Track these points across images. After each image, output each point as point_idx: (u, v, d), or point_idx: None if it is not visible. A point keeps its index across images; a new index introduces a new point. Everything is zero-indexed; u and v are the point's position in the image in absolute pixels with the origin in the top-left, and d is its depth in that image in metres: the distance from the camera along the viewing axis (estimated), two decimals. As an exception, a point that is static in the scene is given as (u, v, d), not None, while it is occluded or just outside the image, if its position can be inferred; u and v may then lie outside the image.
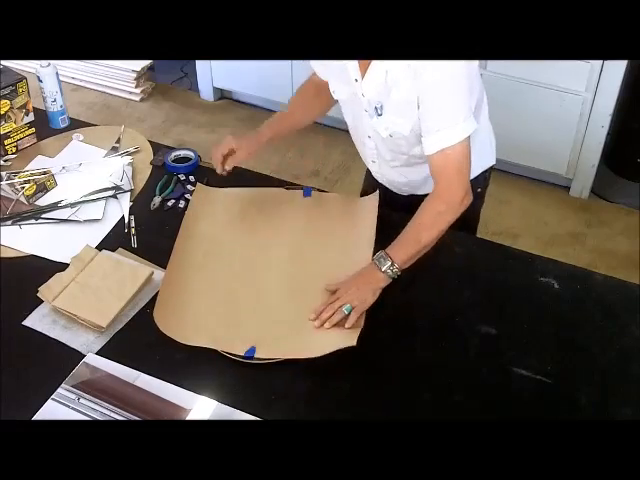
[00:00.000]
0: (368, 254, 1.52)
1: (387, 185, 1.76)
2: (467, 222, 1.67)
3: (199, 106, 3.55)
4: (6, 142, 1.86)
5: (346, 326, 1.38)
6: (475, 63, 1.48)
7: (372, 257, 1.49)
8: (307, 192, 1.73)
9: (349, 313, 1.39)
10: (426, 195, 1.52)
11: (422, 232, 1.47)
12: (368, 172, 1.82)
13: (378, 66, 1.44)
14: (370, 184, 1.81)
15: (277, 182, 1.82)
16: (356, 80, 1.50)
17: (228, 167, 1.67)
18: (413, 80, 1.40)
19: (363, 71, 1.48)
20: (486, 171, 1.75)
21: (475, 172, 1.67)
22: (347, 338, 1.36)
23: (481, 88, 1.59)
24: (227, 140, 1.67)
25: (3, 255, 1.58)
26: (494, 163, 1.76)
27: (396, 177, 1.71)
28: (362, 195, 1.83)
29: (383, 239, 1.52)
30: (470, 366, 1.38)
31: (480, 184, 1.73)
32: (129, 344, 1.40)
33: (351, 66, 1.49)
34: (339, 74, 1.54)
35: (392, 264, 1.44)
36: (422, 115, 1.45)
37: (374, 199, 1.67)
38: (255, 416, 1.26)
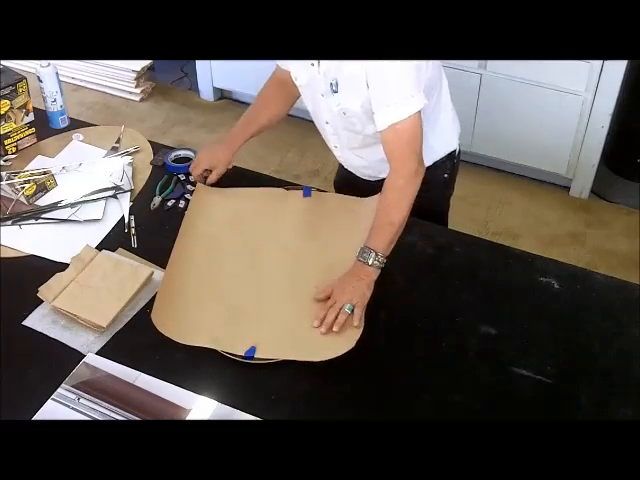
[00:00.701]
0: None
1: (352, 170, 1.80)
2: (435, 210, 1.72)
3: (199, 106, 3.55)
4: (6, 142, 1.86)
5: (354, 324, 1.39)
6: None
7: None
8: (307, 192, 1.73)
9: (352, 312, 1.39)
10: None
11: (391, 212, 1.49)
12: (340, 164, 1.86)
13: None
14: (341, 175, 1.88)
15: (277, 182, 1.82)
16: (312, 64, 1.52)
17: (211, 181, 1.74)
18: None
19: None
20: (453, 157, 1.77)
21: (438, 154, 1.71)
22: (346, 341, 1.36)
23: (437, 68, 1.61)
24: (202, 160, 1.73)
25: (3, 255, 1.58)
26: (456, 148, 1.78)
27: (357, 161, 1.74)
28: (335, 184, 1.92)
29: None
30: (470, 366, 1.38)
31: (448, 169, 1.76)
32: (129, 344, 1.40)
33: None
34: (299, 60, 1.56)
35: (376, 255, 1.45)
36: (371, 92, 1.47)
37: (375, 200, 1.67)
38: (255, 416, 1.26)
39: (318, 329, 1.39)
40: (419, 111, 1.46)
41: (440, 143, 1.70)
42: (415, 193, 1.51)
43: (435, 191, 1.72)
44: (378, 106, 1.47)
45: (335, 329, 1.38)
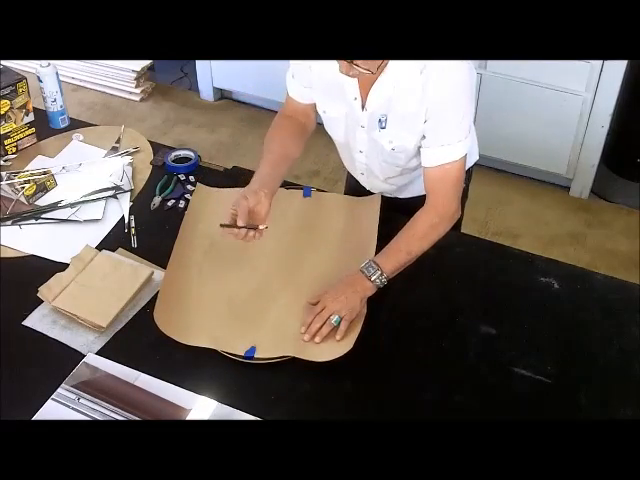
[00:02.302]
0: (370, 255, 1.52)
1: (372, 190, 1.75)
2: None
3: (199, 106, 3.55)
4: (6, 142, 1.85)
5: (337, 338, 1.37)
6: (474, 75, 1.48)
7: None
8: (307, 192, 1.73)
9: (338, 324, 1.38)
10: (406, 198, 1.54)
11: (414, 243, 1.47)
12: (349, 174, 1.82)
13: (386, 80, 1.42)
14: (352, 187, 1.82)
15: (277, 182, 1.81)
16: (355, 98, 1.49)
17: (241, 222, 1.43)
18: (422, 93, 1.40)
19: (365, 87, 1.46)
20: (471, 167, 1.76)
21: (468, 145, 1.68)
22: (343, 345, 1.36)
23: None
24: (243, 207, 1.42)
25: (3, 255, 1.58)
26: (478, 158, 1.78)
27: (384, 186, 1.71)
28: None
29: (384, 240, 1.52)
30: (470, 366, 1.38)
31: (466, 180, 1.75)
32: (129, 344, 1.40)
33: (349, 84, 1.47)
34: (331, 93, 1.52)
35: (381, 274, 1.42)
36: (427, 128, 1.45)
37: (376, 200, 1.67)
38: (255, 416, 1.26)
39: (304, 339, 1.37)
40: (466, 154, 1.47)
41: (468, 158, 1.67)
42: (443, 234, 1.50)
43: None
44: (431, 144, 1.45)
45: (317, 340, 1.37)
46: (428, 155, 1.47)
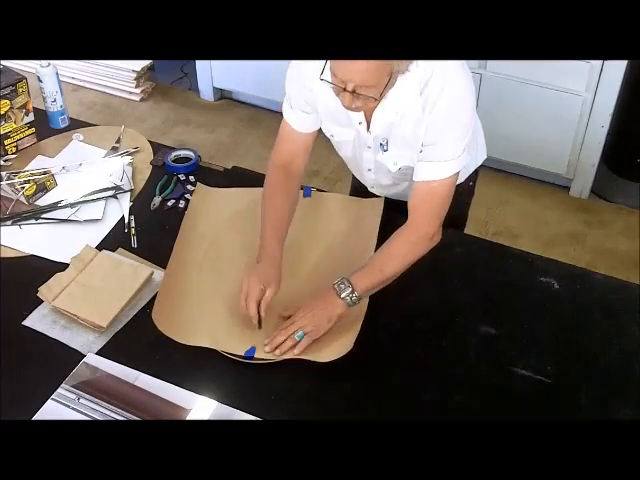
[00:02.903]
0: (369, 255, 1.52)
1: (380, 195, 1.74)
2: (457, 217, 1.68)
3: (199, 106, 3.55)
4: (6, 142, 1.85)
5: (295, 352, 1.35)
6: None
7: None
8: (307, 192, 1.73)
9: (300, 340, 1.36)
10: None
11: (388, 262, 1.44)
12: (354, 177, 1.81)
13: (387, 105, 1.39)
14: (357, 189, 1.81)
15: (277, 182, 1.81)
16: (360, 123, 1.47)
17: (267, 302, 1.41)
18: (422, 113, 1.38)
19: (368, 110, 1.43)
20: (478, 167, 1.76)
21: (470, 169, 1.69)
22: (343, 345, 1.36)
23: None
24: (253, 288, 1.40)
25: (3, 255, 1.58)
26: (485, 157, 1.77)
27: (393, 192, 1.70)
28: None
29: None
30: (470, 366, 1.38)
31: (472, 178, 1.75)
32: (129, 344, 1.40)
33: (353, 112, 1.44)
34: (337, 119, 1.50)
35: (352, 291, 1.39)
36: (424, 143, 1.42)
37: (378, 202, 1.68)
38: (255, 416, 1.26)
39: (265, 350, 1.36)
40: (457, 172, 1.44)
41: (474, 158, 1.68)
42: (420, 256, 1.46)
43: (461, 199, 1.69)
44: (423, 159, 1.43)
45: (277, 353, 1.35)
46: (417, 169, 1.45)
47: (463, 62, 1.40)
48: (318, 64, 1.34)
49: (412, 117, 1.40)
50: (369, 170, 1.61)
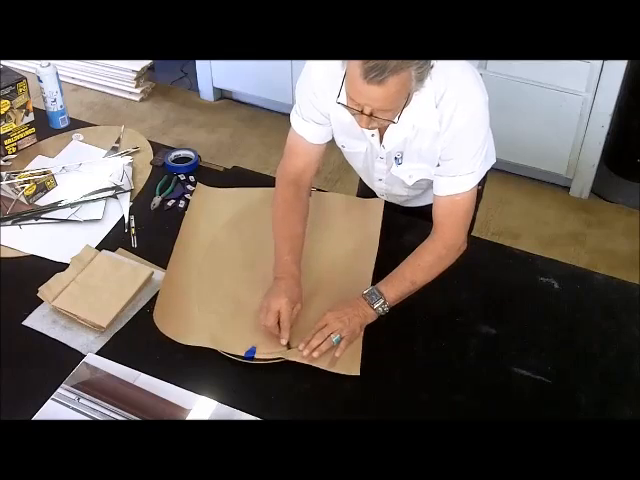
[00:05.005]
0: (370, 256, 1.52)
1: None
2: None
3: (199, 106, 3.55)
4: (6, 142, 1.86)
5: (336, 354, 1.35)
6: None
7: (373, 262, 1.49)
8: (307, 192, 1.73)
9: (338, 343, 1.36)
10: (418, 207, 1.54)
11: (419, 273, 1.45)
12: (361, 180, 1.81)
13: (404, 122, 1.37)
14: (364, 193, 1.80)
15: (277, 182, 1.81)
16: (373, 135, 1.47)
17: (286, 334, 1.39)
18: (439, 126, 1.38)
19: (382, 127, 1.43)
20: (487, 170, 1.75)
21: (481, 176, 1.68)
22: (348, 366, 1.35)
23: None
24: (272, 305, 1.39)
25: (3, 255, 1.58)
26: (494, 161, 1.77)
27: (406, 203, 1.71)
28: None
29: (386, 242, 1.52)
30: (470, 366, 1.38)
31: (481, 182, 1.74)
32: (129, 344, 1.40)
33: None
34: (349, 133, 1.50)
35: (384, 302, 1.40)
36: (442, 159, 1.43)
37: (379, 202, 1.68)
38: (255, 416, 1.26)
39: (302, 355, 1.35)
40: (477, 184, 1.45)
41: (486, 163, 1.66)
42: (448, 265, 1.48)
43: None
44: (443, 173, 1.44)
45: (315, 354, 1.35)
46: (440, 184, 1.45)
47: (478, 77, 1.39)
48: (328, 72, 1.35)
49: (429, 131, 1.40)
50: (380, 180, 1.62)
